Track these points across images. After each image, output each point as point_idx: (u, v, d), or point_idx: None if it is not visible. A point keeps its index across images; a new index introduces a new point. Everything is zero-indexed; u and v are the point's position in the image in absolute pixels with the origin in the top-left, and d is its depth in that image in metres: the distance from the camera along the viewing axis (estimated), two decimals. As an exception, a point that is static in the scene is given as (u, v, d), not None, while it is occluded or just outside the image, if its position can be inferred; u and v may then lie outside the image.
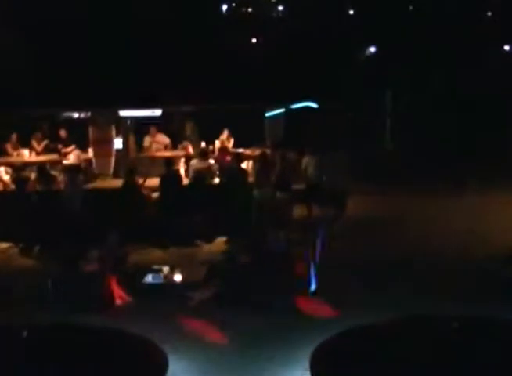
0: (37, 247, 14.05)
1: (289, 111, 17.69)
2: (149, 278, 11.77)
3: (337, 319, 9.99)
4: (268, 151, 16.40)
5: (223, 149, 16.65)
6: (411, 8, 30.95)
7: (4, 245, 14.48)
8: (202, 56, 21.53)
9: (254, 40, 27.05)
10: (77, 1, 24.15)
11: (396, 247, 13.73)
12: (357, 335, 7.19)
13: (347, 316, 9.83)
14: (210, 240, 14.35)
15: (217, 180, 15.72)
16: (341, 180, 15.83)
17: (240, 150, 18.02)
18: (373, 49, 29.36)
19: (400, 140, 24.66)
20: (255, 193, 14.70)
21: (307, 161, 15.86)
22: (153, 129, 18.36)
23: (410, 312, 9.02)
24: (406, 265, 12.52)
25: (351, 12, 30.52)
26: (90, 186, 15.86)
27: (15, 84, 18.27)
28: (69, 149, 17.86)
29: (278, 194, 14.72)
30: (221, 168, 16.09)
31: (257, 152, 17.61)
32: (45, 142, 18.47)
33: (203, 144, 17.89)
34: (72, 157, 16.87)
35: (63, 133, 18.50)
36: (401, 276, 11.99)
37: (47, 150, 18.44)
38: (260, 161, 15.53)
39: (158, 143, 18.36)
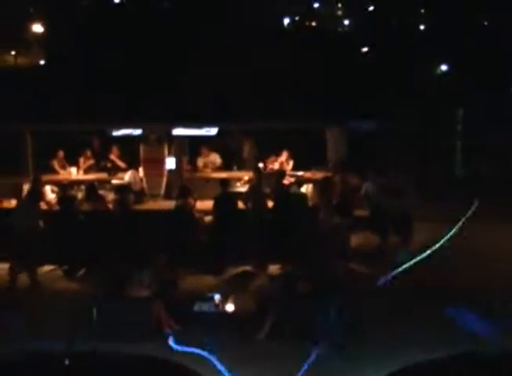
0: (82, 270, 14.20)
1: (351, 131, 17.58)
2: (199, 306, 11.75)
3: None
4: (329, 174, 16.34)
5: (281, 172, 16.50)
6: (486, 23, 30.65)
7: (47, 267, 14.65)
8: (261, 72, 21.61)
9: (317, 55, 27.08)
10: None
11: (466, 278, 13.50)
12: (425, 369, 7.02)
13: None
14: (264, 266, 14.28)
15: (273, 204, 15.55)
16: (406, 206, 15.60)
17: (300, 173, 17.99)
18: (444, 68, 29.15)
19: (472, 166, 24.30)
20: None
21: (369, 186, 15.71)
22: (204, 149, 18.52)
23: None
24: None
25: (422, 27, 30.34)
26: (140, 207, 15.93)
27: (63, 97, 18.58)
28: (121, 165, 18.14)
29: (337, 220, 14.60)
30: (279, 192, 16.00)
31: (318, 175, 17.56)
32: (90, 162, 18.77)
33: (260, 165, 17.88)
34: (127, 177, 16.98)
35: (114, 151, 18.76)
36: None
37: (96, 169, 18.72)
38: (322, 186, 15.41)
39: (212, 164, 18.49)
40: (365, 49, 28.27)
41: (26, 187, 15.49)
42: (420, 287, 12.93)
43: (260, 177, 15.49)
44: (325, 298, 10.98)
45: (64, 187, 16.20)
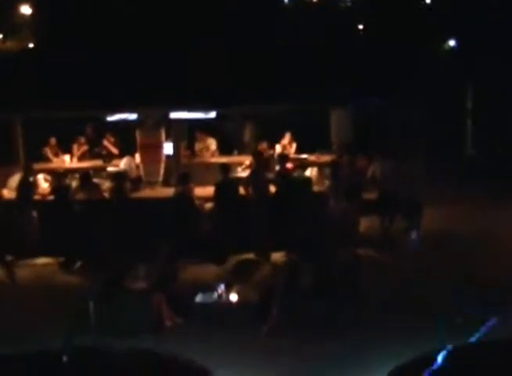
0: (79, 263, 14.17)
1: (357, 111, 17.51)
2: (201, 297, 11.73)
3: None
4: (334, 157, 16.28)
5: (283, 156, 16.36)
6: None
7: (42, 260, 14.62)
8: (261, 52, 21.54)
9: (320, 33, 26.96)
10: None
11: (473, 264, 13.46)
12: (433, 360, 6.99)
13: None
14: (268, 254, 14.25)
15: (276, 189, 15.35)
16: (416, 190, 15.54)
17: (304, 156, 17.93)
18: (452, 43, 29.01)
19: (484, 146, 24.26)
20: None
21: (377, 168, 15.63)
22: (200, 134, 18.50)
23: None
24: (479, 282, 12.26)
25: (428, 1, 30.20)
26: (138, 194, 15.86)
27: (54, 82, 18.52)
28: (114, 152, 18.14)
29: (345, 204, 14.55)
30: (281, 176, 15.90)
31: (323, 158, 17.51)
32: (84, 148, 18.73)
33: (262, 149, 17.79)
34: (123, 164, 16.92)
35: (108, 138, 18.72)
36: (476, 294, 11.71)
37: (90, 156, 18.68)
38: (332, 171, 15.37)
39: (209, 148, 18.46)
40: (363, 26, 28.12)
41: (17, 177, 15.48)
42: (432, 274, 12.90)
43: (260, 161, 15.43)
44: (329, 289, 10.99)
45: (58, 176, 16.13)
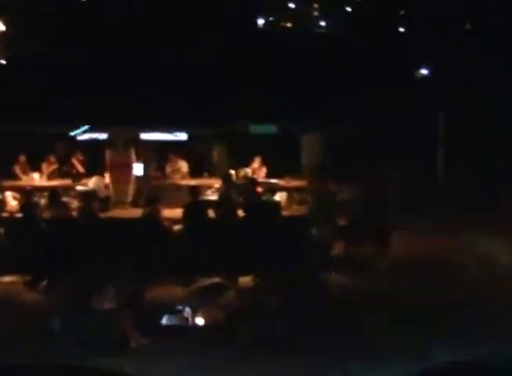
0: (45, 281, 14.27)
1: (329, 135, 17.79)
2: (167, 319, 11.86)
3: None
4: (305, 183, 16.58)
5: (252, 180, 16.62)
6: (468, 27, 30.95)
7: (8, 278, 14.65)
8: (234, 73, 21.75)
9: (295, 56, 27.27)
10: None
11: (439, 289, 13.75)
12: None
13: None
14: (235, 278, 14.44)
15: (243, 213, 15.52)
16: (386, 215, 15.85)
17: (273, 181, 18.17)
18: (425, 71, 29.41)
19: (455, 172, 24.63)
20: (313, 231, 14.83)
21: (347, 192, 15.93)
22: (172, 156, 18.69)
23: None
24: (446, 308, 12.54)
25: (402, 29, 30.62)
26: (106, 214, 15.99)
27: (25, 98, 18.57)
28: (80, 170, 18.31)
29: (314, 231, 14.90)
30: (250, 200, 16.14)
31: (293, 183, 17.78)
32: (54, 166, 18.87)
33: (231, 173, 18.02)
34: (92, 183, 17.06)
35: (77, 156, 18.88)
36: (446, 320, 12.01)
37: (60, 174, 18.80)
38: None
39: (179, 171, 18.65)
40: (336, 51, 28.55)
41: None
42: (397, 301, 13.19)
43: (230, 185, 15.65)
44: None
45: (26, 194, 16.26)
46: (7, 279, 14.64)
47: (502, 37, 26.19)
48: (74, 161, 19.01)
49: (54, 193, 15.49)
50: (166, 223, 14.94)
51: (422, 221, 18.75)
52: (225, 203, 15.13)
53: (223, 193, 15.51)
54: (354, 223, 15.71)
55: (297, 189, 17.40)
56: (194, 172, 19.19)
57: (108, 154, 17.01)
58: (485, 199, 20.83)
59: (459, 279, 14.46)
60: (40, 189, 17.32)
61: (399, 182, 17.32)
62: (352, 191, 15.99)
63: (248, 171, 18.67)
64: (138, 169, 17.30)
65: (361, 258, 15.47)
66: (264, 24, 30.83)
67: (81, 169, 18.91)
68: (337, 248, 15.74)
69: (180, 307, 12.06)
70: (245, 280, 14.37)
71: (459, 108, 25.27)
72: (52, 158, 19.05)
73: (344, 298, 13.12)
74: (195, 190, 15.22)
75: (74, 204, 15.75)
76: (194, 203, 14.95)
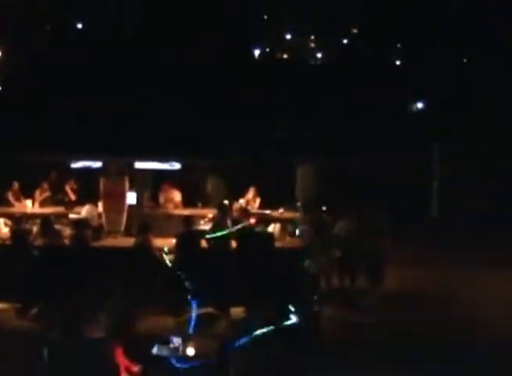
0: (35, 309, 14.25)
1: (324, 167, 17.89)
2: (158, 349, 11.83)
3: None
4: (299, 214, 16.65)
5: (246, 210, 16.67)
6: (465, 60, 31.23)
7: (-1, 305, 14.67)
8: (229, 104, 21.91)
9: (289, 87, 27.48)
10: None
11: (434, 324, 13.79)
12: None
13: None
14: (227, 309, 14.44)
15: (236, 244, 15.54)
16: (380, 248, 15.90)
17: (267, 212, 18.24)
18: (420, 105, 29.64)
19: (448, 205, 24.74)
20: (307, 263, 14.86)
21: (341, 225, 16.01)
22: (165, 185, 18.77)
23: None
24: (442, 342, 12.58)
25: (398, 62, 30.88)
26: (99, 243, 16.01)
27: (19, 126, 18.67)
28: (72, 198, 18.37)
29: (307, 263, 14.95)
30: (242, 231, 16.16)
31: (287, 214, 17.85)
32: (47, 194, 18.93)
33: (225, 203, 18.05)
34: (84, 211, 17.11)
35: (70, 183, 18.95)
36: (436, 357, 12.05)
37: (53, 202, 18.86)
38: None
39: (173, 200, 18.71)
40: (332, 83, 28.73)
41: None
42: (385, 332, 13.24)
43: (224, 215, 15.68)
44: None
45: (18, 220, 16.28)
46: (-2, 306, 14.63)
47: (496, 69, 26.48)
48: (67, 189, 19.09)
49: (46, 221, 15.48)
50: (158, 253, 14.94)
51: (416, 254, 18.87)
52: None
53: (217, 223, 15.51)
54: (347, 256, 15.75)
55: (291, 221, 17.47)
56: (187, 202, 19.25)
57: (102, 183, 17.03)
58: (482, 235, 20.96)
59: (449, 315, 14.52)
60: (32, 217, 17.37)
61: (393, 215, 17.41)
62: (346, 223, 16.05)
63: (242, 201, 18.74)
64: (131, 198, 17.32)
65: (354, 292, 15.51)
66: (260, 55, 31.07)
67: (73, 197, 19.01)
68: (330, 281, 15.79)
69: (170, 337, 12.04)
70: (237, 311, 14.36)
71: (453, 140, 25.45)
72: (45, 185, 19.11)
73: (335, 332, 13.15)
74: (188, 220, 15.23)
75: (67, 231, 15.75)
76: (187, 232, 14.97)
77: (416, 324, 13.76)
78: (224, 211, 15.79)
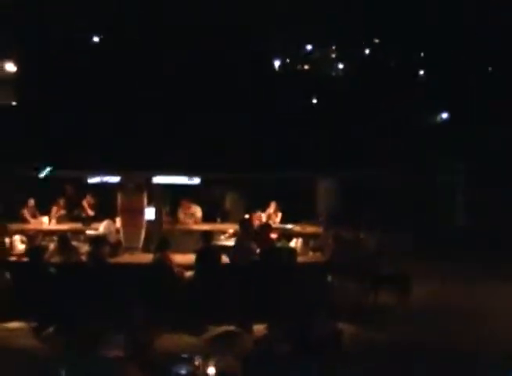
0: (51, 328, 14.20)
1: (346, 180, 17.81)
2: (178, 368, 11.75)
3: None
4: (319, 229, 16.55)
5: (267, 225, 16.52)
6: (490, 69, 31.06)
7: (14, 324, 14.57)
8: (249, 117, 21.86)
9: (309, 100, 27.43)
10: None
11: (459, 342, 13.60)
12: None
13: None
14: (249, 326, 14.33)
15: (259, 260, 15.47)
16: (403, 263, 15.77)
17: (289, 226, 18.15)
18: (445, 115, 29.51)
19: (474, 221, 24.58)
20: (329, 278, 14.77)
21: (365, 240, 15.91)
22: (185, 201, 18.72)
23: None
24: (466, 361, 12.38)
25: (422, 72, 30.76)
26: (116, 260, 15.97)
27: (35, 142, 18.71)
28: (89, 213, 18.35)
29: (329, 279, 14.86)
30: (265, 246, 16.03)
31: (309, 229, 17.75)
32: (62, 210, 18.94)
33: (246, 217, 17.98)
34: (102, 228, 17.07)
35: (88, 199, 18.95)
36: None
37: (69, 218, 18.86)
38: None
39: (192, 216, 18.67)
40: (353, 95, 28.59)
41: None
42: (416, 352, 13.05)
43: (246, 230, 15.56)
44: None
45: (33, 237, 16.27)
46: (13, 325, 14.56)
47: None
48: (85, 204, 19.10)
49: (63, 237, 15.47)
50: (177, 269, 14.87)
51: (441, 267, 18.71)
52: (240, 248, 15.05)
53: (239, 239, 15.40)
54: (372, 271, 15.62)
55: (313, 236, 17.37)
56: (206, 217, 19.21)
57: (119, 198, 17.01)
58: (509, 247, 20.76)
59: (474, 332, 14.31)
60: (49, 233, 17.37)
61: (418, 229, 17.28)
62: (370, 238, 15.95)
63: (263, 216, 18.68)
64: (149, 213, 17.29)
65: (379, 308, 15.37)
66: (280, 66, 31.03)
67: (90, 212, 19.01)
68: (355, 296, 15.64)
69: (191, 356, 11.95)
70: (259, 329, 14.25)
71: (479, 152, 25.29)
72: (62, 202, 19.12)
73: (359, 350, 13.00)
74: (208, 235, 15.15)
75: (84, 248, 15.72)
76: (206, 248, 14.89)
77: (441, 341, 13.53)
78: (246, 227, 15.67)
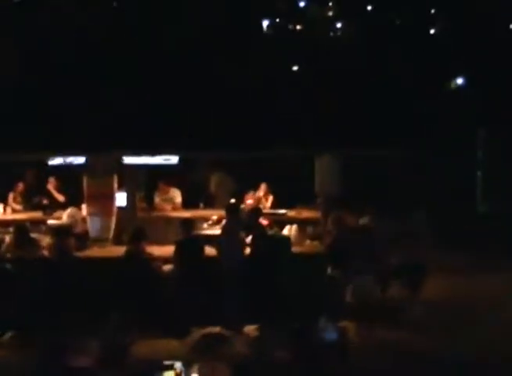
0: (9, 333, 14.16)
1: (348, 158, 17.75)
2: (157, 376, 11.78)
3: None
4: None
5: (257, 210, 16.46)
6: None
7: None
8: (232, 86, 21.77)
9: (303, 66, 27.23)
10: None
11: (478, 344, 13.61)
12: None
13: None
14: (239, 328, 14.33)
15: (247, 250, 15.35)
16: (417, 252, 15.77)
17: (282, 211, 18.11)
18: (460, 81, 29.40)
19: (497, 200, 24.60)
20: (329, 271, 14.81)
21: (371, 226, 15.90)
22: (162, 184, 18.66)
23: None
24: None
25: (432, 31, 30.56)
26: (84, 253, 15.88)
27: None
28: (59, 198, 18.28)
29: (329, 271, 14.85)
30: (253, 235, 15.98)
31: (305, 214, 17.71)
32: (21, 198, 18.88)
33: (234, 203, 17.91)
34: (66, 216, 16.99)
35: (52, 182, 18.85)
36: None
37: (30, 207, 18.78)
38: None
39: (171, 201, 18.63)
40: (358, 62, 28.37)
41: None
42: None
43: (235, 217, 15.51)
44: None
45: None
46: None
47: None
48: (50, 188, 18.98)
49: (22, 229, 15.42)
50: (154, 263, 14.84)
51: (460, 257, 18.73)
52: (229, 238, 15.00)
53: (227, 227, 15.34)
54: (380, 261, 15.62)
55: (311, 222, 17.32)
56: (187, 203, 19.15)
57: (85, 182, 16.91)
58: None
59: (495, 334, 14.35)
60: (4, 224, 17.29)
61: (432, 213, 17.24)
62: (377, 223, 15.95)
63: (250, 200, 18.64)
64: (121, 199, 17.24)
65: (389, 303, 15.38)
66: (269, 26, 30.83)
67: (59, 197, 18.92)
68: (358, 292, 15.64)
69: (171, 362, 11.97)
70: (249, 330, 14.26)
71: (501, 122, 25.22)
72: (21, 187, 19.02)
73: (363, 351, 13.01)
74: (188, 223, 15.10)
75: (46, 240, 15.66)
76: (188, 238, 14.86)
77: (455, 344, 13.54)
78: (233, 212, 15.58)
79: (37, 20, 23.01)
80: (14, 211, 18.73)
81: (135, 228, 15.34)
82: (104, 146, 16.65)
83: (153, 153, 17.19)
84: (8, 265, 14.50)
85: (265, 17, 29.72)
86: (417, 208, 16.81)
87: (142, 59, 21.88)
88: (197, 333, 14.30)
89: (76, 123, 18.06)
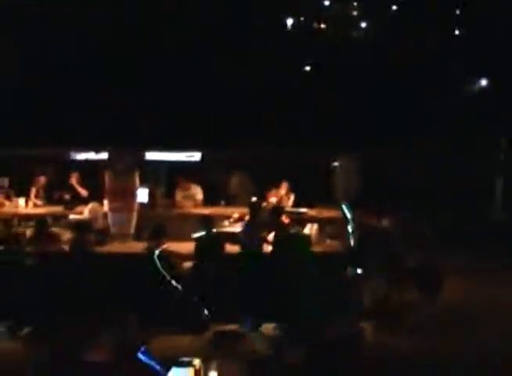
0: (27, 328, 14.16)
1: (368, 159, 17.71)
2: (175, 373, 11.73)
3: None
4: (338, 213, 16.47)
5: (279, 208, 16.48)
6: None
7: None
8: (255, 88, 21.76)
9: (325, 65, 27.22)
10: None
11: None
12: None
13: None
14: (257, 325, 14.28)
15: (269, 248, 15.34)
16: (436, 254, 15.70)
17: (303, 210, 18.04)
18: (484, 82, 29.30)
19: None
20: (349, 271, 14.73)
21: (387, 227, 15.83)
22: (183, 181, 18.60)
23: None
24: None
25: (457, 32, 30.46)
26: (104, 249, 15.88)
27: (11, 117, 18.66)
28: (82, 193, 18.27)
29: (348, 271, 14.78)
30: (279, 234, 15.91)
31: (326, 213, 17.65)
32: (43, 192, 18.89)
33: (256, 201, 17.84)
34: (87, 212, 16.99)
35: (75, 176, 18.84)
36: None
37: (50, 201, 18.78)
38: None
39: (192, 198, 18.58)
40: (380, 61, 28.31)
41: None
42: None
43: (257, 214, 15.48)
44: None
45: (8, 222, 16.21)
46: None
47: None
48: (73, 182, 18.95)
49: (43, 223, 15.43)
50: (174, 260, 14.82)
51: (477, 263, 18.62)
52: (250, 236, 14.99)
53: (249, 225, 15.31)
54: (398, 263, 15.56)
55: (331, 221, 17.25)
56: (208, 200, 19.11)
57: (107, 178, 16.93)
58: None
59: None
60: (25, 218, 17.30)
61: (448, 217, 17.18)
62: (395, 226, 15.88)
63: (273, 198, 18.57)
64: (142, 195, 17.23)
65: (406, 306, 15.30)
66: (293, 25, 30.78)
67: (82, 191, 18.87)
68: (378, 292, 15.58)
69: (189, 359, 11.92)
70: (267, 328, 14.20)
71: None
72: (43, 181, 19.02)
73: (375, 356, 12.92)
74: (208, 220, 15.10)
75: (66, 235, 15.68)
76: (208, 235, 14.84)
77: (470, 350, 13.43)
78: (256, 211, 15.56)
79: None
80: (35, 205, 18.73)
81: (155, 224, 15.32)
82: (127, 142, 16.66)
83: (175, 150, 17.18)
84: (28, 260, 14.49)
85: (290, 16, 29.75)
86: (419, 213, 16.79)
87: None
88: (214, 330, 14.26)
89: (98, 119, 18.08)
